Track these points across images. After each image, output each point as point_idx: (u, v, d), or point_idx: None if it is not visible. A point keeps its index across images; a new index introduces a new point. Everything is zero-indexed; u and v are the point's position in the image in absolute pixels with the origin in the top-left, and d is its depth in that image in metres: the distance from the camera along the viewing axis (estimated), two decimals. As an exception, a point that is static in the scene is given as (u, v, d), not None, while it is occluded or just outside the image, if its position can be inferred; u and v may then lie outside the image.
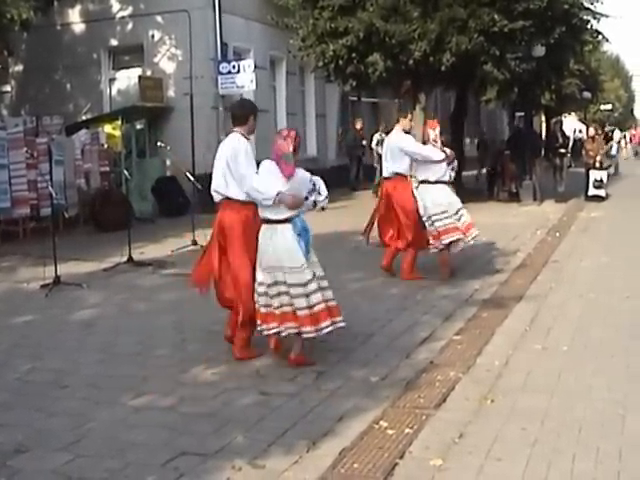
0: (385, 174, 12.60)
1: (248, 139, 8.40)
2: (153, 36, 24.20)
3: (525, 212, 21.68)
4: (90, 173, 20.53)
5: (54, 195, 13.87)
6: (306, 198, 7.86)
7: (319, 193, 7.99)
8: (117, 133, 21.35)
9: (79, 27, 25.40)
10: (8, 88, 26.81)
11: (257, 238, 7.92)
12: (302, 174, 7.87)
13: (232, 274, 8.23)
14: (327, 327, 7.72)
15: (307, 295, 7.63)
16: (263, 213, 7.87)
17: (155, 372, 7.84)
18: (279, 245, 7.71)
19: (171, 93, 23.90)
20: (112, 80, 25.64)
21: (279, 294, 7.74)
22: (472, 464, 5.48)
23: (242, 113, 8.47)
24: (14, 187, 18.57)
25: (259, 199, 7.81)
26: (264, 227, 7.87)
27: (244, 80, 23.54)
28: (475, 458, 5.57)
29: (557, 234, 17.01)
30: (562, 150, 28.59)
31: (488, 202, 24.70)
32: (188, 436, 6.10)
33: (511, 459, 5.54)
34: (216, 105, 23.93)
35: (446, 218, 12.21)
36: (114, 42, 25.07)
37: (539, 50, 21.29)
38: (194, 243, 15.74)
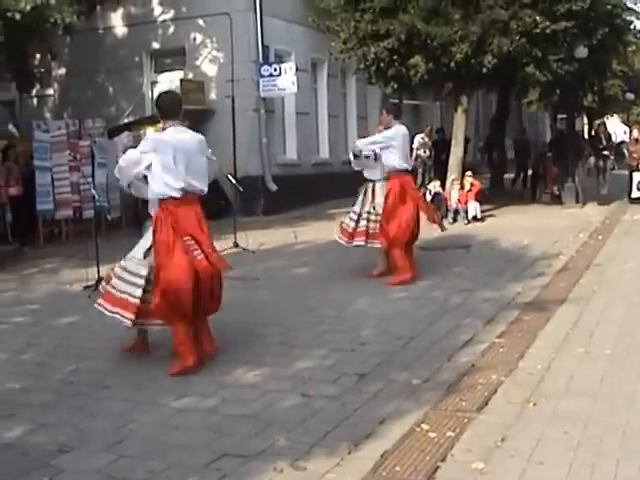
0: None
1: None
2: (195, 39, 24.30)
3: (567, 215, 21.53)
4: (132, 175, 20.62)
5: (96, 197, 13.99)
6: None
7: None
8: (159, 136, 21.42)
9: (121, 30, 25.56)
10: (51, 91, 27.02)
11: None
12: None
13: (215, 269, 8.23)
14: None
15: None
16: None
17: (197, 374, 7.87)
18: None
19: (212, 96, 23.98)
20: (154, 83, 25.74)
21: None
22: (514, 468, 5.44)
23: (178, 105, 8.51)
24: (57, 189, 18.76)
25: None
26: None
27: (285, 83, 23.59)
28: (517, 462, 5.53)
29: (600, 237, 16.87)
30: (605, 152, 28.39)
31: (530, 205, 24.61)
32: (230, 438, 6.12)
33: (553, 463, 5.49)
34: (257, 108, 23.98)
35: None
36: (156, 45, 25.21)
37: (581, 51, 21.12)
38: (235, 245, 15.79)
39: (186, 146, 8.17)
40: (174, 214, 8.03)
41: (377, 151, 12.53)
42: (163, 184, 8.07)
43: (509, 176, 30.97)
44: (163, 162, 8.08)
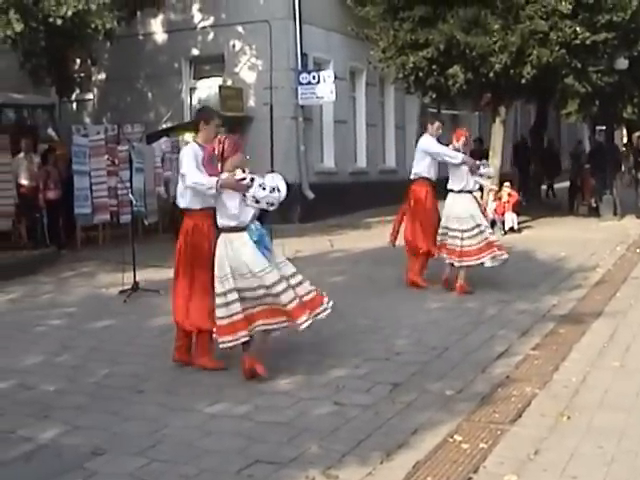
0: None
1: (202, 146, 8.34)
2: (234, 46, 24.40)
3: (605, 227, 21.41)
4: (170, 181, 20.73)
5: (134, 202, 14.04)
6: (244, 195, 7.77)
7: (263, 189, 7.75)
8: (197, 142, 21.48)
9: (161, 37, 25.72)
10: (91, 96, 27.25)
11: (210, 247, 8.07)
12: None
13: (203, 285, 8.21)
14: (305, 321, 7.81)
15: (276, 295, 7.68)
16: (221, 220, 7.92)
17: (231, 380, 7.88)
18: (240, 253, 7.75)
19: (251, 103, 24.06)
20: (193, 89, 25.90)
21: (256, 298, 7.76)
22: (547, 481, 5.43)
23: (194, 121, 8.45)
24: (95, 193, 18.88)
25: (203, 190, 7.94)
26: (222, 236, 7.90)
27: (324, 91, 23.63)
28: (550, 475, 5.50)
29: (637, 250, 16.74)
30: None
31: (567, 216, 24.48)
32: (263, 444, 6.12)
33: (587, 477, 5.45)
34: (295, 115, 24.04)
35: (472, 237, 12.16)
36: (195, 52, 25.34)
37: (622, 63, 21.03)
38: (271, 252, 15.77)
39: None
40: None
41: None
42: None
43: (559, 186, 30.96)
44: None
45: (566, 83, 20.09)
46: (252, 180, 7.73)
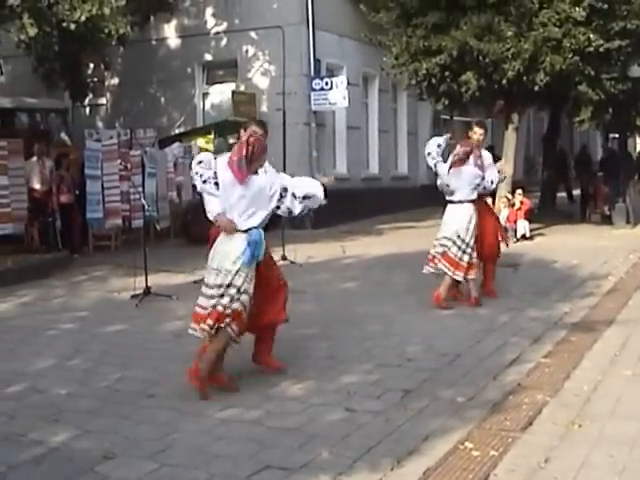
0: None
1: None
2: (247, 51, 24.48)
3: (617, 235, 21.35)
4: (182, 186, 20.79)
5: (146, 207, 14.05)
6: (278, 207, 7.75)
7: (295, 197, 7.76)
8: (209, 147, 21.56)
9: (174, 42, 25.80)
10: (104, 101, 27.35)
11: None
12: (262, 183, 7.61)
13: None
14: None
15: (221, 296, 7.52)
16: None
17: (242, 385, 7.87)
18: (224, 243, 7.62)
19: (264, 108, 24.08)
20: (205, 94, 25.97)
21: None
22: (558, 489, 5.40)
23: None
24: (107, 198, 18.92)
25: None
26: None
27: (336, 96, 23.66)
28: (561, 483, 5.49)
29: (650, 258, 16.72)
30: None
31: (580, 224, 24.42)
32: (273, 450, 6.11)
33: (598, 486, 5.44)
34: (308, 121, 24.08)
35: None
36: (208, 57, 25.41)
37: (636, 70, 20.97)
38: (283, 258, 15.78)
39: None
40: None
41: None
42: None
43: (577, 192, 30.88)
44: None
45: (579, 90, 20.08)
46: (285, 190, 7.70)
